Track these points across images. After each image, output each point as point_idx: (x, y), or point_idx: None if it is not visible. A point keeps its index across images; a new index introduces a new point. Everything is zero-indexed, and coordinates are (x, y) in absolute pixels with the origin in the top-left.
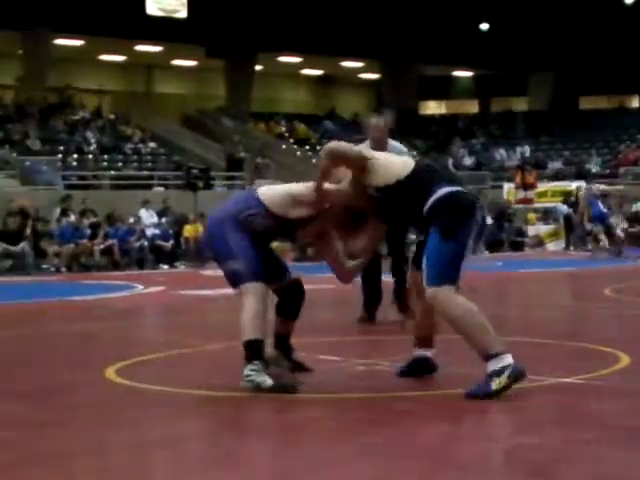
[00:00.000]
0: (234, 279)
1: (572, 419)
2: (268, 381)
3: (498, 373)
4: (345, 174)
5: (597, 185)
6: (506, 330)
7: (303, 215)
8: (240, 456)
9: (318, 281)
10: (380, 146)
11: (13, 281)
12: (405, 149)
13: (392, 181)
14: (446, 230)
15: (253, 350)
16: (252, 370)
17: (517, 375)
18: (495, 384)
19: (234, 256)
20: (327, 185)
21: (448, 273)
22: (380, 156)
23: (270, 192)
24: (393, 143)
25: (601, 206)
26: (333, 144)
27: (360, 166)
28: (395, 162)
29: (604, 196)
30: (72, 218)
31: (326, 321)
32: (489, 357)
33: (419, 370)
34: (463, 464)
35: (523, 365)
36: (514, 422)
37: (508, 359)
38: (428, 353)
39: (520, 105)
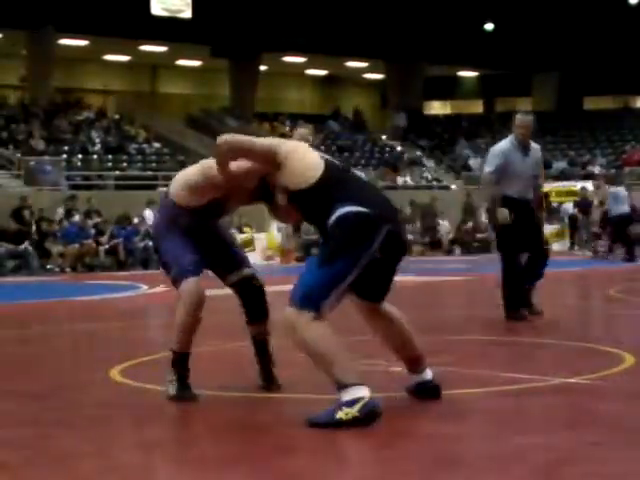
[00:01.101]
0: (174, 284)
1: (577, 420)
2: (171, 390)
3: (349, 404)
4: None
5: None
6: (511, 330)
7: (216, 195)
8: (244, 457)
9: None
10: (524, 144)
11: (18, 281)
12: (540, 153)
13: (302, 185)
14: (329, 253)
15: (174, 358)
16: (168, 377)
17: (370, 411)
18: (342, 414)
19: (168, 263)
20: (231, 168)
21: (316, 298)
22: (301, 155)
23: (174, 189)
24: (534, 145)
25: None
26: (227, 136)
27: (268, 160)
28: (313, 164)
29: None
30: (77, 218)
31: (329, 321)
32: (342, 387)
33: (424, 394)
34: (467, 464)
35: (378, 403)
36: (519, 422)
37: (363, 392)
38: (423, 377)
39: (525, 105)
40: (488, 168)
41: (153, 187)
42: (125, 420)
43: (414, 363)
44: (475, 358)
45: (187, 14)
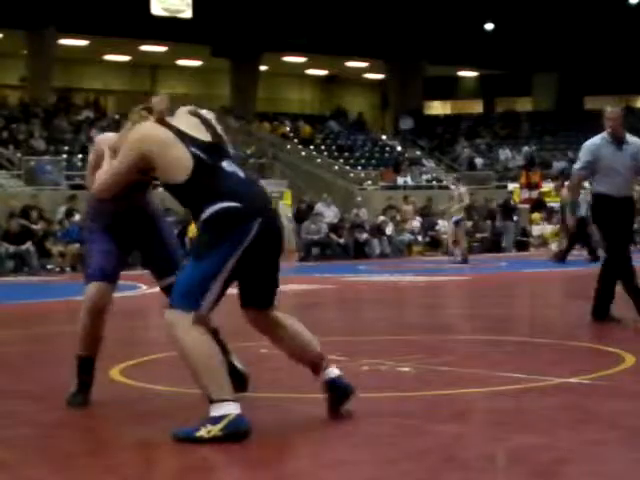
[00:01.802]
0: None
1: (577, 419)
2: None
3: (213, 421)
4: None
5: None
6: (510, 330)
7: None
8: (245, 457)
9: (321, 281)
10: (616, 137)
11: (18, 281)
12: None
13: (176, 181)
14: (200, 251)
15: (77, 363)
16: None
17: (236, 430)
18: (204, 431)
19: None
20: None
21: (192, 296)
22: (169, 152)
23: (88, 182)
24: (633, 139)
25: None
26: (97, 186)
27: (142, 168)
28: (182, 161)
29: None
30: (77, 218)
31: (330, 321)
32: (211, 402)
33: (336, 393)
34: (469, 464)
35: (249, 422)
36: (520, 422)
37: (231, 409)
38: (329, 375)
39: (525, 105)
40: (577, 165)
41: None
42: (124, 420)
43: (316, 365)
44: (475, 358)
45: (187, 14)
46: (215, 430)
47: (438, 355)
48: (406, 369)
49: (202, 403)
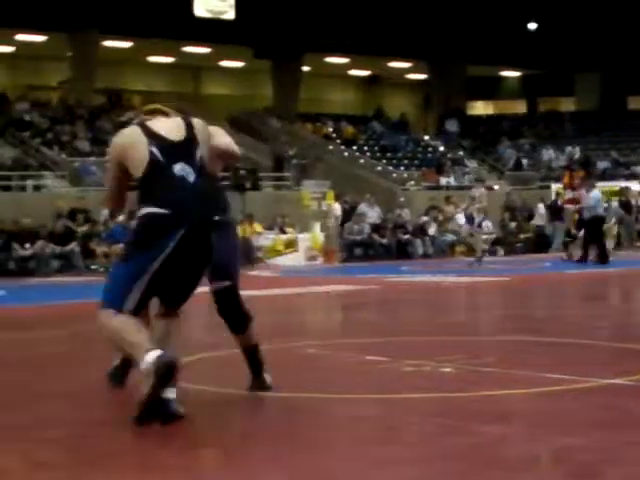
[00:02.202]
0: None
1: (619, 420)
2: None
3: (145, 366)
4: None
5: None
6: (552, 331)
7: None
8: (288, 457)
9: (364, 282)
10: None
11: (63, 281)
12: None
13: (136, 178)
14: (126, 253)
15: None
16: None
17: (163, 362)
18: (142, 378)
19: None
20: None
21: (115, 297)
22: (133, 150)
23: None
24: None
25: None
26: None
27: (124, 170)
28: (139, 160)
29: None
30: (121, 218)
31: (372, 322)
32: (139, 362)
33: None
34: (510, 465)
35: (174, 357)
36: (562, 423)
37: (154, 353)
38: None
39: (568, 105)
40: None
41: None
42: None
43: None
44: (517, 359)
45: (230, 15)
46: (151, 372)
47: (480, 356)
48: (448, 370)
49: (243, 403)
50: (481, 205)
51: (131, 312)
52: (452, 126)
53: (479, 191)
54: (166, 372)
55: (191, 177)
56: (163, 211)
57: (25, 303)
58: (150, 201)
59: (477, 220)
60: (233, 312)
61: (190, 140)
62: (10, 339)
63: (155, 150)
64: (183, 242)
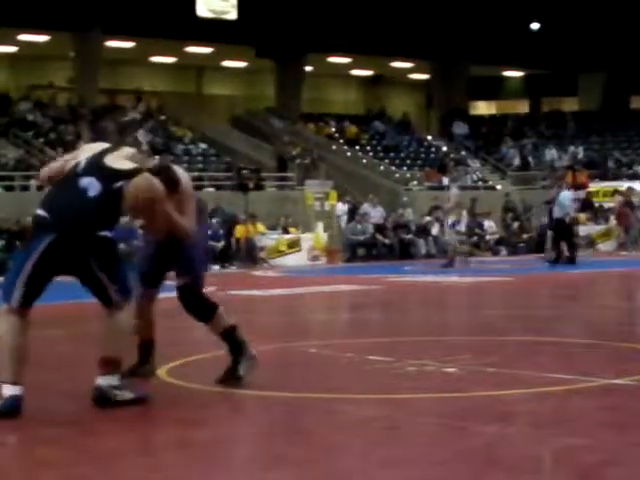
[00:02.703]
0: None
1: (622, 421)
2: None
3: None
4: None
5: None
6: (556, 331)
7: None
8: (290, 457)
9: (367, 282)
10: None
11: (71, 281)
12: None
13: None
14: (16, 251)
15: None
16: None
17: (8, 407)
18: None
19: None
20: None
21: (5, 293)
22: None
23: None
24: None
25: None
26: None
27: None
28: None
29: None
30: (125, 219)
31: (376, 321)
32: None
33: None
34: (512, 465)
35: (16, 402)
36: (565, 423)
37: (11, 391)
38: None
39: (571, 105)
40: None
41: (199, 188)
42: (168, 419)
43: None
44: (520, 359)
45: (232, 15)
46: None
47: (483, 356)
48: (452, 370)
49: (247, 403)
50: (449, 206)
51: (17, 307)
52: (460, 128)
53: (451, 192)
54: (7, 415)
55: (89, 192)
56: (44, 215)
57: None
58: (42, 203)
59: (449, 221)
60: (195, 306)
61: (96, 158)
62: None
63: (77, 164)
64: (54, 246)
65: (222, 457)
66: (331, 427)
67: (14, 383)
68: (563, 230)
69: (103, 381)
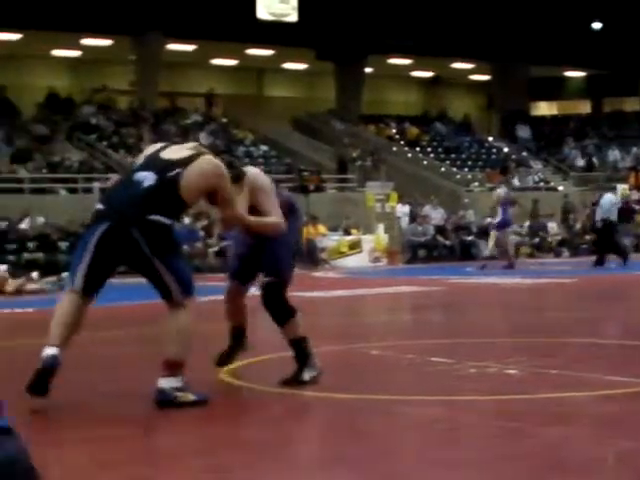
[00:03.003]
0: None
1: None
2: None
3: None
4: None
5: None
6: (617, 333)
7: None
8: (349, 458)
9: (428, 283)
10: None
11: (126, 282)
12: None
13: None
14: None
15: None
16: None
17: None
18: None
19: None
20: None
21: (69, 277)
22: None
23: None
24: None
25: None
26: None
27: None
28: None
29: (513, 203)
30: (186, 221)
31: (436, 323)
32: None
33: None
34: (572, 468)
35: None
36: (627, 426)
37: (46, 351)
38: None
39: (633, 105)
40: None
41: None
42: (229, 419)
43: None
44: (582, 361)
45: (293, 18)
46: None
47: (545, 358)
48: (513, 372)
49: (304, 406)
50: (492, 207)
51: (81, 291)
52: (523, 131)
53: (495, 192)
54: (42, 371)
55: (144, 183)
56: (100, 207)
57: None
58: (101, 197)
59: (492, 221)
60: (275, 306)
61: (153, 155)
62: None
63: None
64: (107, 236)
65: (282, 457)
66: (391, 428)
67: (57, 346)
68: (603, 233)
69: (165, 383)
